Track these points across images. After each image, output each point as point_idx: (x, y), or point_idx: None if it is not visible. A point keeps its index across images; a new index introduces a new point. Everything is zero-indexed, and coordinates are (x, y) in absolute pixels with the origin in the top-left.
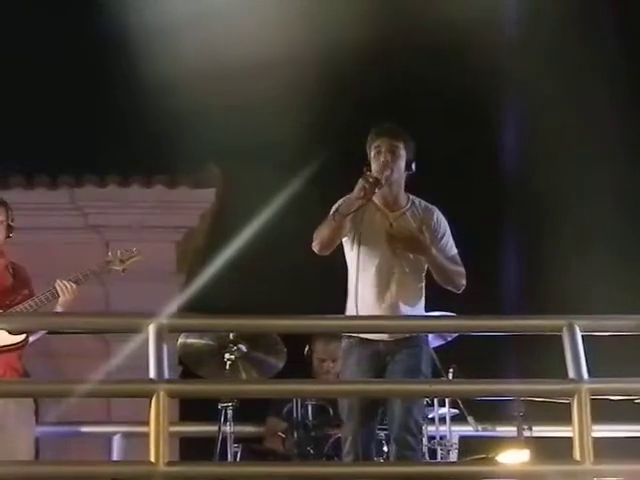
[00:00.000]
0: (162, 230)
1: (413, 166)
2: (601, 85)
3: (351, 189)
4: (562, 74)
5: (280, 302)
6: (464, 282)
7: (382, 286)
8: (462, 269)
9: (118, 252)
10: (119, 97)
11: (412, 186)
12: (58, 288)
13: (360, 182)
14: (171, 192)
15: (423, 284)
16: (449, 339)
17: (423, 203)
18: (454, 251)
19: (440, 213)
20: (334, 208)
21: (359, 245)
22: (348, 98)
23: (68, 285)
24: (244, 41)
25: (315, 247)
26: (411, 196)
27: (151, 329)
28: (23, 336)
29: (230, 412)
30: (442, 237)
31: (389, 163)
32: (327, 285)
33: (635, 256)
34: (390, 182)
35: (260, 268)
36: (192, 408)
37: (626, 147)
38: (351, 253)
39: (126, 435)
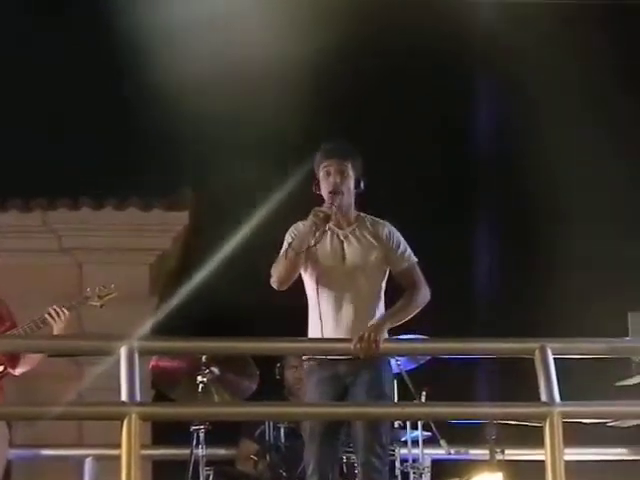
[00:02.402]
0: (135, 253)
1: (362, 184)
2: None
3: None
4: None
5: (255, 323)
6: (428, 298)
7: (340, 307)
8: (424, 291)
9: (96, 288)
10: (92, 120)
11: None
12: (48, 316)
13: (310, 219)
14: (144, 215)
15: (382, 301)
16: (421, 362)
17: (372, 218)
18: (413, 259)
19: (391, 226)
20: (286, 243)
21: (314, 268)
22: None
23: (60, 311)
24: (228, 59)
25: (274, 284)
26: (361, 213)
27: (123, 351)
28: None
29: (202, 435)
30: (398, 247)
31: (339, 186)
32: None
33: (613, 278)
34: (341, 210)
35: (234, 290)
36: (164, 431)
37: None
38: (309, 279)
39: (98, 458)
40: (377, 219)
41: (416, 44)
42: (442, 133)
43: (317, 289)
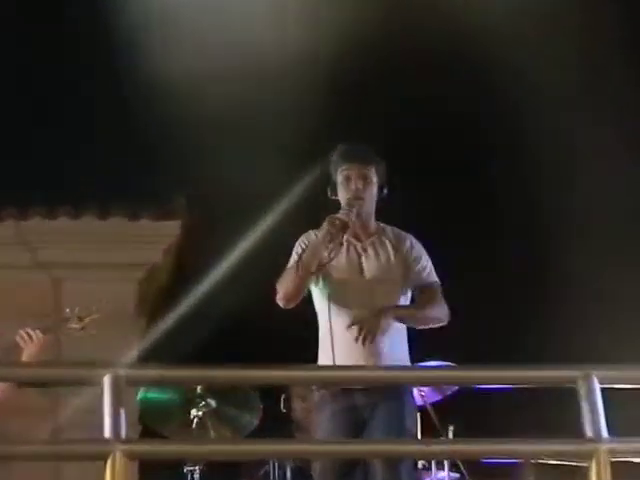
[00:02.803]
0: (120, 267)
1: (385, 190)
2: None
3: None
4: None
5: (258, 347)
6: (446, 320)
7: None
8: (441, 309)
9: (76, 309)
10: (70, 116)
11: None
12: (19, 339)
13: (325, 226)
14: (130, 225)
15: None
16: (448, 393)
17: (395, 230)
18: (433, 278)
19: (414, 239)
20: (295, 255)
21: (328, 285)
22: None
23: (33, 334)
24: (219, 58)
25: (280, 301)
26: (381, 224)
27: (106, 381)
28: None
29: (197, 476)
30: (417, 262)
31: (361, 193)
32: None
33: None
34: (360, 218)
35: (234, 309)
36: (153, 472)
37: None
38: (320, 295)
39: None
40: (400, 231)
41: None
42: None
43: (329, 307)
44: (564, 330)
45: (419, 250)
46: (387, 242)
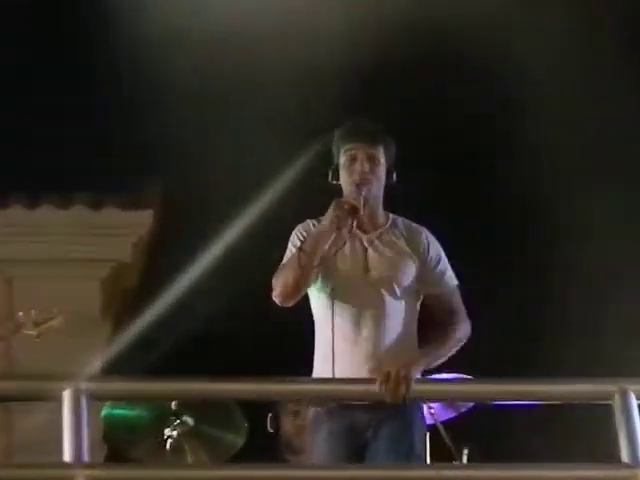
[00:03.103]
0: (82, 264)
1: (394, 176)
2: None
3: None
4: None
5: (241, 359)
6: (468, 335)
7: (359, 334)
8: (465, 325)
9: (32, 312)
10: (29, 95)
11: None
12: None
13: (331, 211)
14: (95, 215)
15: (414, 330)
16: (462, 410)
17: (407, 222)
18: (454, 282)
19: (430, 234)
20: (292, 247)
21: (330, 283)
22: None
23: None
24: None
25: (277, 298)
26: (391, 214)
27: (66, 396)
28: None
29: None
30: (437, 263)
31: (367, 176)
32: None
33: None
34: (368, 204)
35: (214, 313)
36: None
37: None
38: (319, 295)
39: None
40: (413, 223)
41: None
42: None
43: (330, 309)
44: (584, 341)
45: (437, 247)
46: (399, 236)
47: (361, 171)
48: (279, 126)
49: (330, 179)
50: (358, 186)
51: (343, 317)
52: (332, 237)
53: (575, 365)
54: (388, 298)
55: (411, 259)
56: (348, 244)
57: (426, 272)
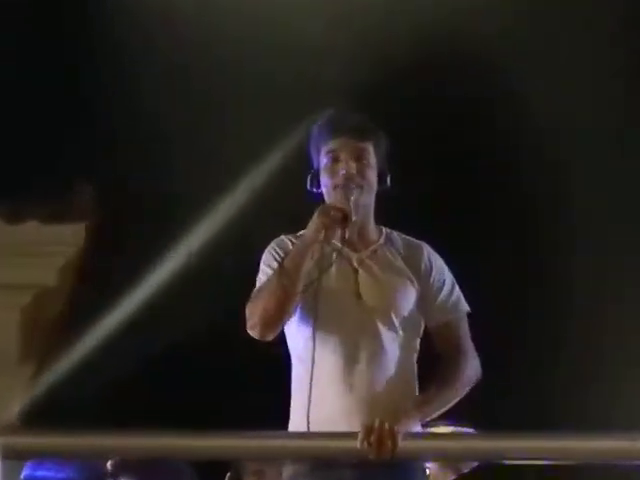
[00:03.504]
0: None
1: (387, 180)
2: None
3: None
4: None
5: (195, 405)
6: (478, 377)
7: (347, 374)
8: (473, 362)
9: None
10: None
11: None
12: None
13: (316, 219)
14: (10, 230)
15: (414, 369)
16: (464, 471)
17: (404, 237)
18: (463, 308)
19: (432, 251)
20: (268, 270)
21: (312, 312)
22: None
23: None
24: None
25: (255, 329)
26: (385, 228)
27: None
28: None
29: None
30: (441, 287)
31: (354, 178)
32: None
33: None
34: (358, 212)
35: (163, 348)
36: None
37: None
38: (298, 326)
39: None
40: (412, 239)
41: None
42: None
43: (311, 343)
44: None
45: (440, 266)
46: (395, 254)
47: (346, 172)
48: (262, 122)
49: (309, 186)
50: (345, 187)
51: (329, 354)
52: (317, 252)
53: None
54: (384, 330)
55: (411, 282)
56: (334, 264)
57: (428, 297)
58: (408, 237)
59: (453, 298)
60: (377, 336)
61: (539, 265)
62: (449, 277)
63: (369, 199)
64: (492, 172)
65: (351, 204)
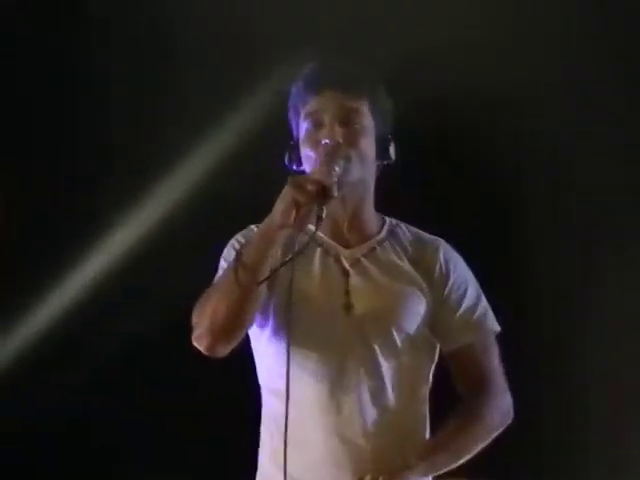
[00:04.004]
0: None
1: (391, 150)
2: None
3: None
4: None
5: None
6: (510, 417)
7: (335, 409)
8: (502, 399)
9: None
10: None
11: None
12: None
13: (286, 193)
14: None
15: (426, 400)
16: None
17: (414, 230)
18: (491, 327)
19: (451, 249)
20: (228, 259)
21: (285, 324)
22: None
23: None
24: None
25: (201, 341)
26: (388, 218)
27: None
28: None
29: None
30: (461, 298)
31: (341, 148)
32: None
33: None
34: (342, 187)
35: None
36: None
37: None
38: (268, 342)
39: None
40: (424, 234)
41: None
42: None
43: (284, 367)
44: None
45: (461, 272)
46: (399, 252)
47: (330, 136)
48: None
49: (287, 163)
50: (327, 156)
51: (308, 383)
52: (286, 237)
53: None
54: (382, 352)
55: (419, 289)
56: (317, 265)
57: (444, 311)
58: (420, 231)
59: (478, 313)
60: (372, 360)
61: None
62: (473, 285)
63: (363, 175)
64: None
65: (334, 177)
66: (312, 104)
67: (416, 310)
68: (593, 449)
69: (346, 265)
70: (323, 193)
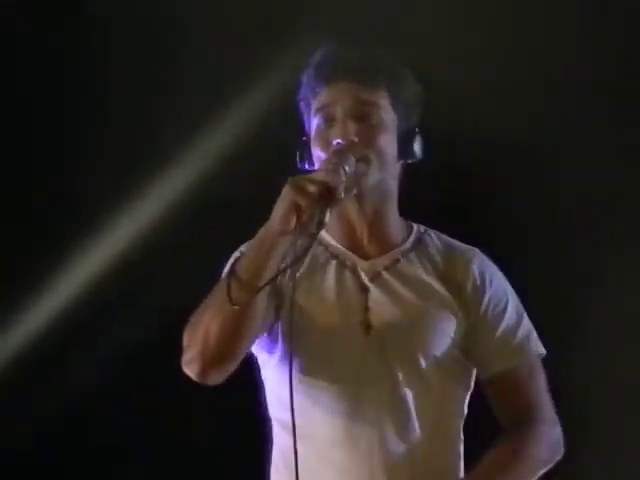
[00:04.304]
0: None
1: (416, 146)
2: None
3: None
4: None
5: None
6: (560, 451)
7: (361, 447)
8: (551, 431)
9: None
10: None
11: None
12: None
13: (286, 196)
14: None
15: (459, 431)
16: None
17: (446, 240)
18: (535, 350)
19: (487, 260)
20: (229, 263)
21: (291, 345)
22: None
23: None
24: None
25: (192, 366)
26: (416, 225)
27: None
28: None
29: None
30: (499, 317)
31: (355, 148)
32: None
33: None
34: (354, 190)
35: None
36: None
37: None
38: (276, 366)
39: None
40: (455, 242)
41: None
42: None
43: (300, 391)
44: None
45: (500, 287)
46: (427, 265)
47: (342, 134)
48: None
49: (299, 163)
50: (336, 154)
51: (322, 414)
52: (287, 245)
53: None
54: (407, 379)
55: (449, 308)
56: (331, 278)
57: (479, 332)
58: (453, 240)
59: (520, 334)
60: (395, 389)
61: None
62: (513, 301)
63: (384, 177)
64: None
65: (341, 177)
66: (323, 96)
67: (446, 331)
68: (593, 449)
69: (365, 279)
70: (327, 195)
